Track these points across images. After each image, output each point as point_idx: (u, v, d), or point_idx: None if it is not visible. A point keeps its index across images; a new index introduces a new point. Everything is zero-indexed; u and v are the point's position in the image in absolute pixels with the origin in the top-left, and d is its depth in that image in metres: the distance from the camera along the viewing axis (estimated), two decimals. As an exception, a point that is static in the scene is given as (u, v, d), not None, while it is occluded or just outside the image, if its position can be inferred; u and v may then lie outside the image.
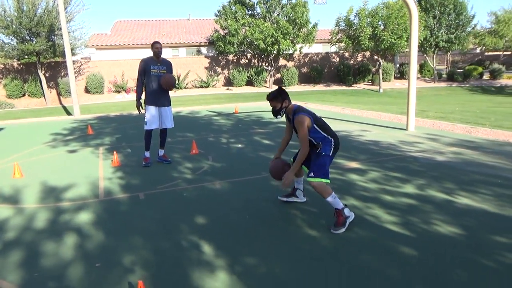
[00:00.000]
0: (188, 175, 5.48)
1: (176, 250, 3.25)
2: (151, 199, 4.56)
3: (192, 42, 28.03)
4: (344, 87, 24.31)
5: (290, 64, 25.98)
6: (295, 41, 22.64)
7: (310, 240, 3.34)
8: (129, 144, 7.92)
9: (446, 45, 24.54)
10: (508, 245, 3.13)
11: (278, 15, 22.84)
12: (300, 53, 24.43)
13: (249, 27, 22.25)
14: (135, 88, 5.91)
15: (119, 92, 22.64)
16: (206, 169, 5.77)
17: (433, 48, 24.88)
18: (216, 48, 24.86)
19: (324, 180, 3.49)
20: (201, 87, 24.71)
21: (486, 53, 46.14)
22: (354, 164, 5.72)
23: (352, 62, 27.04)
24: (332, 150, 3.62)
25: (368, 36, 20.39)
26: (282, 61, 25.42)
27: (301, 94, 20.65)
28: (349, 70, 25.30)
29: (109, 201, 4.53)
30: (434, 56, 26.06)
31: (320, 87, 24.64)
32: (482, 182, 4.74)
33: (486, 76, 27.21)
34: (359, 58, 27.28)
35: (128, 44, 26.48)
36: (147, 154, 6.13)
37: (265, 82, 24.78)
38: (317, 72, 25.15)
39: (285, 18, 22.68)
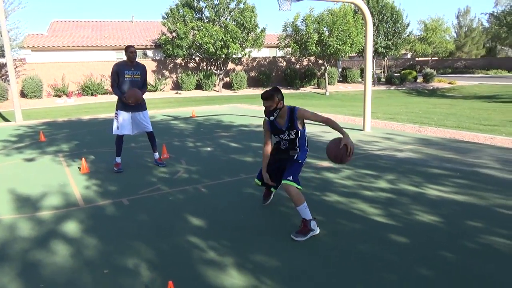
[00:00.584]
0: (166, 179, 5.44)
1: (179, 251, 3.26)
2: (136, 204, 4.48)
3: (138, 45, 27.27)
4: (292, 91, 25.03)
5: (238, 68, 26.24)
6: (244, 45, 22.93)
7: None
8: (91, 150, 7.61)
9: (384, 51, 26.21)
10: (481, 228, 3.53)
11: (226, 19, 22.99)
12: (249, 57, 24.76)
13: (198, 30, 22.17)
14: (111, 90, 5.85)
15: (59, 96, 21.44)
16: (183, 173, 5.76)
17: (372, 53, 26.44)
18: (163, 51, 24.44)
19: (298, 187, 3.47)
20: (149, 91, 24.12)
21: (417, 59, 49.85)
22: (325, 164, 6.01)
23: (298, 66, 27.92)
24: (305, 159, 3.73)
25: (315, 42, 21.21)
26: (230, 65, 25.60)
27: (253, 98, 20.93)
28: (296, 74, 26.11)
29: (92, 208, 4.38)
30: (374, 61, 27.69)
31: (269, 90, 25.15)
32: (444, 175, 5.23)
33: (419, 79, 29.43)
34: (305, 63, 28.24)
35: (67, 46, 25.16)
36: (118, 159, 5.95)
37: (215, 86, 24.80)
38: (266, 76, 25.65)
39: (234, 22, 22.89)
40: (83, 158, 6.13)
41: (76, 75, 23.03)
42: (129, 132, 5.87)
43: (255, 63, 27.01)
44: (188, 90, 24.05)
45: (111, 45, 26.43)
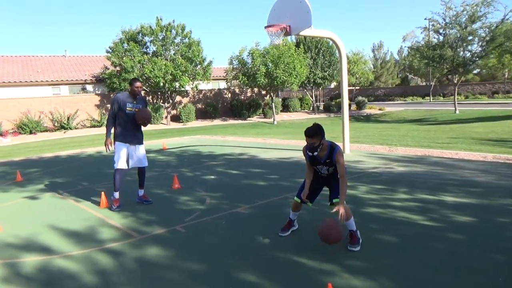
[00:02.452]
0: (200, 208, 5.53)
1: (280, 263, 3.48)
2: (193, 229, 4.55)
3: (76, 80, 26.30)
4: (240, 121, 25.68)
5: (185, 100, 26.38)
6: (193, 78, 23.28)
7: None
8: (87, 186, 7.33)
9: (321, 82, 28.20)
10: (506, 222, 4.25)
11: (173, 53, 23.24)
12: (196, 89, 25.08)
13: (146, 64, 22.10)
14: (105, 123, 5.69)
15: (-10, 135, 19.74)
16: (211, 200, 5.87)
17: (311, 84, 28.29)
18: (107, 85, 23.83)
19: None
20: (94, 126, 23.21)
21: (342, 88, 53.59)
22: (338, 182, 6.52)
23: (242, 97, 28.81)
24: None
25: (263, 74, 22.26)
26: (177, 98, 25.67)
27: (204, 129, 21.14)
28: (242, 105, 26.89)
29: (152, 237, 4.37)
30: (313, 91, 29.57)
31: (218, 121, 25.54)
32: (447, 184, 6.03)
33: (353, 107, 31.93)
34: (249, 94, 29.24)
35: (-4, 82, 23.44)
36: (117, 195, 5.63)
37: (163, 119, 24.59)
38: (213, 107, 26.08)
39: (181, 55, 23.20)
40: (103, 193, 5.95)
41: (10, 113, 21.45)
42: (126, 166, 5.70)
43: (201, 95, 27.38)
44: (135, 124, 23.51)
45: (46, 80, 25.12)
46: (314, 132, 3.71)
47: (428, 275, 3.17)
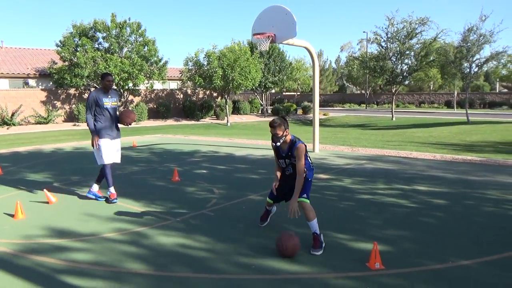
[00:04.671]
0: (212, 195, 6.09)
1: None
2: (221, 213, 5.13)
3: (18, 73, 24.80)
4: (193, 122, 25.96)
5: (136, 99, 26.05)
6: (150, 76, 23.18)
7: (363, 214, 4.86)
8: (80, 179, 7.50)
9: (272, 86, 29.41)
10: (462, 193, 5.41)
11: (129, 51, 22.96)
12: (151, 88, 24.93)
13: (101, 60, 21.62)
14: (86, 122, 5.62)
15: None
16: (221, 190, 6.45)
17: (262, 88, 29.38)
18: (55, 81, 22.83)
19: (308, 201, 3.96)
20: (39, 123, 22.15)
21: (284, 93, 55.90)
22: (324, 176, 7.44)
23: (194, 98, 29.07)
24: (313, 176, 4.15)
25: (220, 76, 22.84)
26: (129, 97, 25.28)
27: (158, 129, 21.17)
28: (195, 106, 27.18)
29: (187, 220, 4.88)
30: (263, 95, 30.68)
31: (171, 121, 25.58)
32: (414, 177, 7.19)
33: (299, 111, 33.58)
34: (201, 95, 29.57)
35: None
36: (113, 189, 5.74)
37: (115, 117, 24.09)
38: (166, 107, 26.07)
39: (136, 54, 22.99)
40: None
41: None
42: (117, 159, 5.81)
43: (154, 94, 27.20)
44: (85, 121, 22.82)
45: (-17, 73, 23.43)
46: (278, 124, 3.93)
47: (424, 239, 4.12)
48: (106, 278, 3.34)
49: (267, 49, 8.60)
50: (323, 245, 3.88)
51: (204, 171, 8.18)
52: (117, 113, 5.83)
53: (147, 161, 9.54)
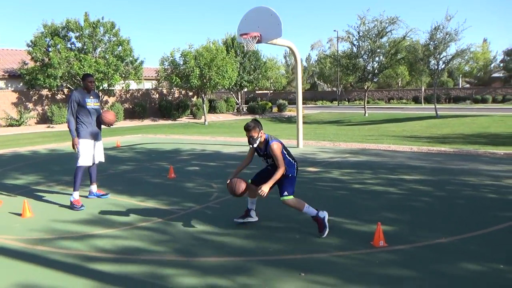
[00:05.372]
0: (212, 189, 6.34)
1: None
2: (226, 205, 5.41)
3: (-19, 74, 23.94)
4: (170, 121, 25.90)
5: (111, 99, 25.72)
6: (125, 77, 22.97)
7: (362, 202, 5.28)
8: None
9: (248, 85, 29.72)
10: (440, 180, 5.94)
11: (104, 51, 22.67)
12: (126, 88, 24.67)
13: (74, 60, 21.25)
14: (67, 124, 5.55)
15: None
16: (217, 185, 6.70)
17: (237, 86, 29.65)
18: (26, 82, 22.22)
19: (291, 196, 4.17)
20: (11, 125, 21.55)
21: (257, 91, 56.35)
22: (313, 169, 7.83)
23: (170, 98, 28.97)
24: (296, 172, 4.32)
25: (197, 76, 22.93)
26: (104, 97, 24.93)
27: (138, 129, 21.06)
28: (171, 106, 27.12)
29: (194, 212, 5.13)
30: (239, 93, 30.93)
31: (148, 122, 25.42)
32: (397, 167, 7.70)
33: (274, 109, 34.06)
34: (176, 95, 29.50)
35: None
36: (77, 195, 5.53)
37: (90, 118, 23.72)
38: (142, 107, 25.89)
39: (111, 54, 22.71)
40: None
41: None
42: (91, 163, 5.73)
43: (129, 95, 26.93)
44: (60, 123, 22.40)
45: None
46: (252, 127, 4.15)
47: (417, 220, 4.57)
48: (138, 263, 3.56)
49: (254, 48, 8.88)
50: (327, 225, 4.15)
51: (196, 168, 8.40)
52: (100, 113, 5.73)
53: (136, 160, 9.64)
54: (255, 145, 4.21)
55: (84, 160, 5.58)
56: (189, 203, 5.56)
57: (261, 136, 4.21)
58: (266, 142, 4.21)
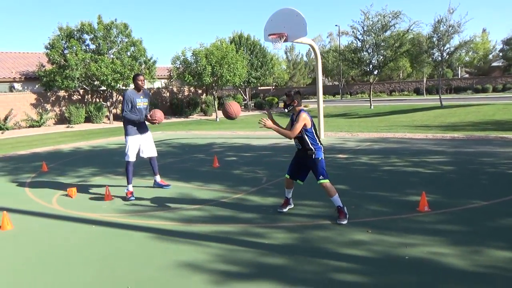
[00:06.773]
0: (259, 175, 7.13)
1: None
2: (280, 185, 6.19)
3: (2, 78, 24.68)
4: (183, 119, 26.67)
5: (125, 99, 26.41)
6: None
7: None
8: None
9: (255, 81, 30.45)
10: (463, 160, 6.74)
11: (118, 52, 23.38)
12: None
13: (92, 62, 22.00)
14: (127, 119, 5.96)
15: None
16: (261, 171, 7.49)
17: (245, 83, 30.39)
18: (44, 84, 22.95)
19: (328, 180, 4.41)
20: (32, 126, 22.30)
21: (259, 88, 56.99)
22: (343, 155, 8.62)
23: (180, 96, 29.72)
24: (323, 155, 4.53)
25: (209, 73, 23.68)
26: (119, 97, 25.68)
27: (153, 127, 21.78)
28: (182, 104, 27.87)
29: (257, 191, 5.92)
30: (246, 90, 31.66)
31: (161, 119, 26.17)
32: (419, 152, 8.50)
33: (281, 104, 34.82)
34: (186, 93, 30.24)
35: None
36: (131, 187, 6.02)
37: (106, 117, 24.48)
38: (154, 106, 26.63)
39: (125, 55, 23.43)
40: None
41: None
42: (153, 153, 6.27)
43: (141, 94, 27.65)
44: (77, 123, 23.19)
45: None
46: (289, 94, 4.48)
47: (450, 190, 5.37)
48: (234, 223, 4.35)
49: (281, 47, 9.65)
50: (347, 216, 4.43)
51: (234, 158, 9.19)
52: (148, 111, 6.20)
53: (175, 154, 10.42)
54: (286, 110, 4.50)
55: (132, 156, 6.03)
56: (243, 187, 6.34)
57: (294, 105, 4.44)
58: (299, 112, 4.43)
